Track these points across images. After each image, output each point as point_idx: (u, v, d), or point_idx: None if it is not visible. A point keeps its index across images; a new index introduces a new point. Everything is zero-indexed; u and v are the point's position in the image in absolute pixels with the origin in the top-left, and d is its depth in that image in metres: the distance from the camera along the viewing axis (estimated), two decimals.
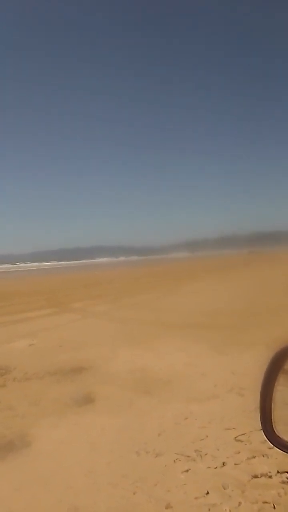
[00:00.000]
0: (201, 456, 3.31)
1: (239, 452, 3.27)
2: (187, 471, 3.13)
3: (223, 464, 3.14)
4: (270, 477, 2.89)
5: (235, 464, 3.13)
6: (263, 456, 3.14)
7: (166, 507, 2.73)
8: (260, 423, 1.18)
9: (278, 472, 2.92)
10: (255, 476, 2.91)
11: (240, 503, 2.65)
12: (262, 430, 1.17)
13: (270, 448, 3.05)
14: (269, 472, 2.94)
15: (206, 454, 3.32)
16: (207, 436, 3.65)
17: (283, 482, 2.82)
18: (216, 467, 3.12)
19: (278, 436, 1.15)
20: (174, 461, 3.30)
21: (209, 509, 2.63)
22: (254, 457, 3.16)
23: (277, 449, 1.15)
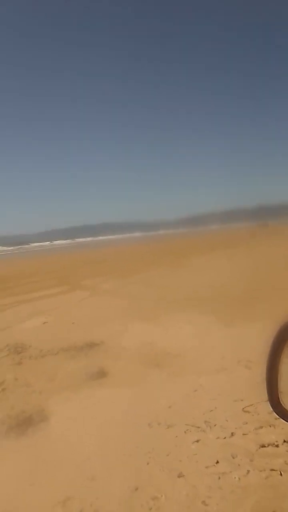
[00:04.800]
0: (210, 427, 3.44)
1: (247, 423, 3.39)
2: (197, 441, 3.26)
3: (232, 435, 3.27)
4: (277, 446, 3.01)
5: (243, 434, 3.25)
6: (270, 426, 3.25)
7: (179, 476, 2.86)
8: (266, 394, 1.22)
9: (284, 441, 3.03)
10: (263, 446, 3.03)
11: (248, 471, 2.78)
12: (268, 401, 1.22)
13: (276, 419, 3.14)
14: (276, 441, 3.05)
15: (215, 425, 3.45)
16: (216, 407, 3.77)
17: None
18: (225, 437, 3.25)
19: (284, 408, 1.20)
20: (185, 432, 3.44)
21: (219, 478, 2.76)
22: (261, 427, 3.28)
23: (283, 420, 1.21)
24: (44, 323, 8.54)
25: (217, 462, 2.94)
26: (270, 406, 1.21)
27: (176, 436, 3.40)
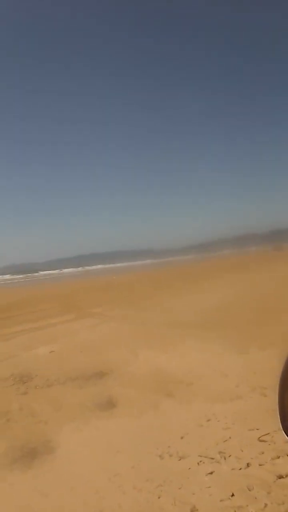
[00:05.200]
0: (225, 457, 3.29)
1: (263, 453, 3.23)
2: (211, 473, 3.11)
3: (248, 465, 3.11)
4: None
5: (259, 464, 3.09)
6: None
7: (192, 510, 2.71)
8: (279, 421, 1.17)
9: None
10: (280, 477, 2.87)
11: (266, 505, 2.62)
12: (281, 428, 1.16)
13: None
14: None
15: (230, 456, 3.30)
16: (230, 437, 3.62)
17: None
18: (240, 469, 3.09)
19: None
20: (198, 463, 3.28)
21: (234, 511, 2.61)
22: (278, 457, 3.12)
23: None
24: (51, 351, 8.41)
25: (232, 495, 2.78)
26: (283, 432, 1.16)
27: (189, 468, 3.25)
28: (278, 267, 24.37)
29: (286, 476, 2.86)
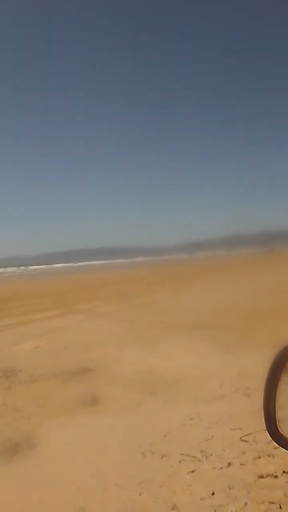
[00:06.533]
0: (206, 456, 3.31)
1: (244, 453, 3.26)
2: (193, 471, 3.12)
3: (229, 465, 3.14)
4: (276, 477, 2.88)
5: (240, 464, 3.12)
6: (269, 456, 3.12)
7: (172, 508, 2.72)
8: (264, 422, 1.17)
9: (284, 472, 2.91)
10: (261, 477, 2.90)
11: (246, 504, 2.64)
12: (266, 430, 1.17)
13: (275, 448, 3.03)
14: (275, 472, 2.92)
15: (211, 455, 3.32)
16: (213, 436, 3.64)
17: None
18: (221, 468, 3.11)
19: (283, 436, 1.14)
20: (179, 462, 3.30)
21: (215, 510, 2.63)
22: (259, 457, 3.15)
23: (282, 449, 1.15)
24: (36, 347, 8.37)
25: (213, 493, 2.80)
26: (268, 434, 1.16)
27: (171, 466, 3.26)
28: (270, 270, 24.60)
29: (267, 476, 2.89)
